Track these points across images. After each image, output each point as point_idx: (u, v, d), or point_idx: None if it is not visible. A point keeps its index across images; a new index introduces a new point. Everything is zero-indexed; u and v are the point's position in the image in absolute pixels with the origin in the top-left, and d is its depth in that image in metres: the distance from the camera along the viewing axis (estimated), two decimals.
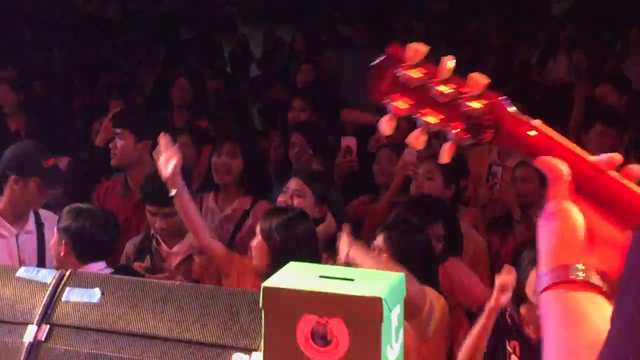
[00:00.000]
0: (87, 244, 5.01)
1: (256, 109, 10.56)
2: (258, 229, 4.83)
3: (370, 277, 3.34)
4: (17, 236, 5.44)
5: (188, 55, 12.09)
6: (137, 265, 5.13)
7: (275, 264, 4.49)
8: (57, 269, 4.76)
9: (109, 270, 4.96)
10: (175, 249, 5.33)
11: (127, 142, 6.14)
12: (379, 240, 4.78)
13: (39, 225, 5.47)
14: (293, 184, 5.43)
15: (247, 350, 3.68)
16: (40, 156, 5.49)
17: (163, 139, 5.06)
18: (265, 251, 4.74)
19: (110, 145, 6.28)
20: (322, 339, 3.20)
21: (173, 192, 5.01)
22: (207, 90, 10.05)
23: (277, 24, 15.42)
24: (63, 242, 4.98)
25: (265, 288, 3.27)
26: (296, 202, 5.29)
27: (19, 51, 13.50)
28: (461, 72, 1.80)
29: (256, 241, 4.79)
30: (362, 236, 5.97)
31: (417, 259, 4.71)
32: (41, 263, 5.31)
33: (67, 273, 4.20)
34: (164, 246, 5.36)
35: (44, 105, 10.06)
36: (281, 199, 5.49)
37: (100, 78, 10.90)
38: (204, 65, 11.48)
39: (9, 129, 8.42)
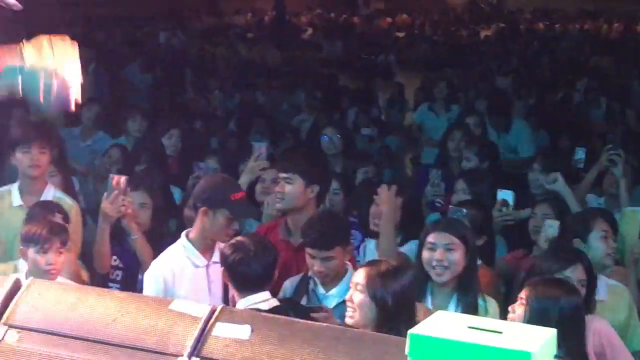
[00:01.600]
0: (240, 276, 5.07)
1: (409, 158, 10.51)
2: (362, 284, 4.67)
3: (519, 330, 3.29)
4: (207, 266, 5.56)
5: (345, 101, 12.13)
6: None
7: (381, 324, 4.45)
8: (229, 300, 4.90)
9: (274, 301, 4.99)
10: (332, 292, 5.32)
11: (297, 186, 6.12)
12: (523, 292, 4.67)
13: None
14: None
15: None
16: (229, 189, 5.58)
17: None
18: (373, 310, 4.63)
19: (277, 190, 6.24)
20: None
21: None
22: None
23: (431, 73, 15.42)
24: (226, 274, 5.07)
25: (413, 335, 3.25)
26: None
27: (182, 92, 13.77)
28: None
29: (358, 298, 4.67)
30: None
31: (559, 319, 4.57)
32: (225, 293, 5.39)
33: (219, 308, 4.24)
34: (321, 288, 5.36)
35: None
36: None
37: (254, 122, 10.95)
38: (360, 111, 11.50)
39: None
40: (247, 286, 5.10)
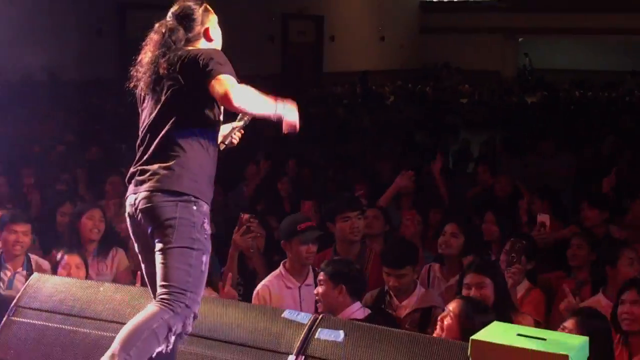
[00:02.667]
0: (353, 284, 5.00)
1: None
2: (455, 313, 4.62)
3: (559, 338, 3.27)
4: (299, 288, 5.55)
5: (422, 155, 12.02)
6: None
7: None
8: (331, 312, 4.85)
9: (366, 311, 4.96)
10: (404, 303, 5.29)
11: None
12: (569, 323, 4.52)
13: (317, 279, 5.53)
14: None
15: None
16: (296, 222, 5.58)
17: None
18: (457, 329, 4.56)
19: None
20: None
21: None
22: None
23: (490, 131, 15.32)
24: (339, 285, 4.96)
25: (474, 341, 3.24)
26: None
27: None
28: None
29: (447, 322, 4.61)
30: (553, 310, 5.76)
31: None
32: (315, 310, 5.37)
33: (320, 317, 4.27)
34: (395, 300, 5.34)
35: None
36: None
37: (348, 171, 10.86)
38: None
39: None
40: (358, 294, 5.06)
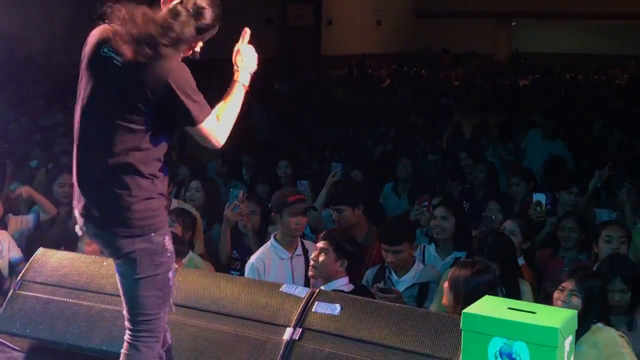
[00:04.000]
0: (353, 262, 5.01)
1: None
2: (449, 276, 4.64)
3: (549, 311, 3.26)
4: (290, 258, 5.53)
5: (415, 135, 12.06)
6: (375, 287, 5.10)
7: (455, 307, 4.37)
8: (325, 281, 4.87)
9: (351, 286, 4.96)
10: (403, 278, 5.31)
11: (347, 213, 6.04)
12: (568, 284, 4.52)
13: (305, 250, 5.54)
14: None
15: None
16: (285, 195, 5.56)
17: None
18: (450, 295, 4.56)
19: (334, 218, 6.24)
20: (508, 356, 3.14)
21: None
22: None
23: (484, 113, 15.30)
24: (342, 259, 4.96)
25: (465, 314, 3.24)
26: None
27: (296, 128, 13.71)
28: None
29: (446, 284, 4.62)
30: (542, 283, 5.79)
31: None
32: (307, 281, 5.38)
33: (317, 291, 4.29)
34: (394, 275, 5.36)
35: None
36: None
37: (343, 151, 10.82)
38: (428, 143, 11.43)
39: None
40: (352, 273, 5.07)
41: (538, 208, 6.71)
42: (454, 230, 5.88)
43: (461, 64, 29.03)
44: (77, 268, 4.69)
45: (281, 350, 3.99)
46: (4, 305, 4.65)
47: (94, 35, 3.54)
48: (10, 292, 4.68)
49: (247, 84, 3.71)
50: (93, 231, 3.66)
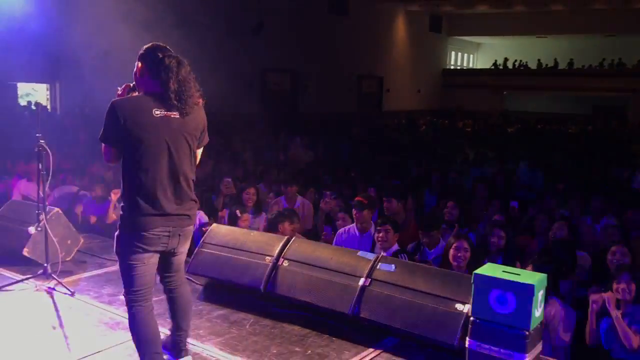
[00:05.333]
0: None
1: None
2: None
3: (527, 274, 3.20)
4: (362, 237, 5.39)
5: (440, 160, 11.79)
6: (414, 259, 5.04)
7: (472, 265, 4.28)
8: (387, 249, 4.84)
9: (397, 246, 4.97)
10: (432, 251, 5.24)
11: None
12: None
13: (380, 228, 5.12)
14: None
15: (464, 303, 3.59)
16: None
17: None
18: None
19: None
20: (501, 302, 3.09)
21: None
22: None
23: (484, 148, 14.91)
24: (396, 234, 4.99)
25: (475, 274, 3.19)
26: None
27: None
28: None
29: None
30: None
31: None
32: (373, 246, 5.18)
33: (380, 255, 4.24)
34: (426, 249, 5.28)
35: None
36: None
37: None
38: (449, 164, 11.16)
39: None
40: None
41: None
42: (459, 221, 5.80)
43: (470, 118, 28.51)
44: (235, 236, 4.73)
45: (357, 292, 3.96)
46: (192, 257, 4.69)
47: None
48: (195, 249, 4.72)
49: None
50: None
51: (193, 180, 3.09)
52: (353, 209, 5.52)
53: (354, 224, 5.50)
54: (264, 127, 14.85)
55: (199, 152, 3.16)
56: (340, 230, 5.54)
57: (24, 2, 8.59)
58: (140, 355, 3.04)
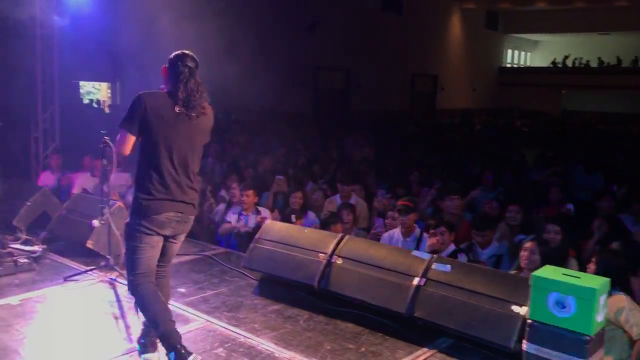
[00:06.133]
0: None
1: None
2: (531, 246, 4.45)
3: (589, 277, 3.13)
4: (407, 241, 5.33)
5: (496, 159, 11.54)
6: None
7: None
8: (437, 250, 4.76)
9: (453, 246, 4.90)
10: (485, 251, 5.17)
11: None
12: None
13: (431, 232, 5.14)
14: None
15: (521, 305, 3.53)
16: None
17: None
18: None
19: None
20: (561, 305, 3.03)
21: None
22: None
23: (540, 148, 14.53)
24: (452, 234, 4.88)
25: (534, 275, 3.14)
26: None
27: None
28: None
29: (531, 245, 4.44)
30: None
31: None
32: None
33: (435, 256, 4.20)
34: (479, 249, 5.23)
35: None
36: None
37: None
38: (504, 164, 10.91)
39: None
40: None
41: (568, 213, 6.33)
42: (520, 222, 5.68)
43: (527, 117, 27.86)
44: (289, 232, 4.78)
45: (411, 292, 3.95)
46: (247, 253, 4.80)
47: None
48: (252, 245, 4.80)
49: None
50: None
51: (196, 173, 3.32)
52: (397, 214, 5.41)
53: (398, 228, 5.42)
54: (317, 126, 14.93)
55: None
56: (385, 235, 5.51)
57: (87, 3, 8.92)
58: (155, 328, 3.19)
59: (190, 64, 3.21)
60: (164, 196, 3.18)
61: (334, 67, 20.24)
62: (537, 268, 3.41)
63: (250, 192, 6.16)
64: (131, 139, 3.14)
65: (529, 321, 3.12)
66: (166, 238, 3.30)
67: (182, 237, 3.39)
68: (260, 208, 6.25)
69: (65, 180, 7.71)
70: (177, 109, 3.16)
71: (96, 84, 17.81)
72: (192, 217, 3.34)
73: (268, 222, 5.00)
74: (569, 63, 31.04)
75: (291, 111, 17.18)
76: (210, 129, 3.35)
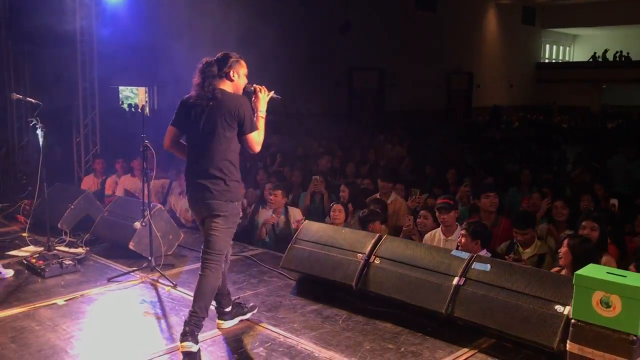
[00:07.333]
0: (485, 240, 4.83)
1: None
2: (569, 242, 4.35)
3: (634, 276, 3.05)
4: (447, 240, 5.23)
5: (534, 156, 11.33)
6: (508, 257, 4.89)
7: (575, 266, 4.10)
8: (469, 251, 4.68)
9: (488, 254, 4.78)
10: (527, 250, 5.07)
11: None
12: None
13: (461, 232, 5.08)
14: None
15: (564, 304, 3.47)
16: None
17: None
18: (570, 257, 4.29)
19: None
20: (606, 305, 2.97)
21: None
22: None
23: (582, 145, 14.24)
24: (476, 240, 4.78)
25: (577, 274, 3.09)
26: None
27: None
28: None
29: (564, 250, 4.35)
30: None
31: None
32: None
33: (474, 255, 4.16)
34: (520, 248, 5.14)
35: None
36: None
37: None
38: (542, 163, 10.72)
39: None
40: (486, 245, 4.92)
41: (613, 209, 6.14)
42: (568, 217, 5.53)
43: (566, 113, 27.29)
44: (326, 232, 4.79)
45: (451, 291, 3.92)
46: (285, 253, 4.83)
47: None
48: (289, 245, 4.84)
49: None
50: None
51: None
52: (437, 213, 5.34)
53: (439, 228, 5.36)
54: (352, 126, 14.93)
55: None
56: (427, 236, 5.47)
57: (125, 10, 9.15)
58: (203, 304, 3.46)
59: (209, 71, 3.56)
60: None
61: (369, 67, 20.22)
62: (573, 266, 3.35)
63: (279, 192, 6.15)
64: (174, 133, 3.70)
65: (573, 321, 3.06)
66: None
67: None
68: (290, 208, 6.25)
69: (109, 182, 7.89)
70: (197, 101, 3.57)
71: (134, 88, 18.17)
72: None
73: (305, 222, 5.02)
74: (610, 57, 30.31)
75: (327, 112, 17.24)
76: (236, 114, 3.48)
